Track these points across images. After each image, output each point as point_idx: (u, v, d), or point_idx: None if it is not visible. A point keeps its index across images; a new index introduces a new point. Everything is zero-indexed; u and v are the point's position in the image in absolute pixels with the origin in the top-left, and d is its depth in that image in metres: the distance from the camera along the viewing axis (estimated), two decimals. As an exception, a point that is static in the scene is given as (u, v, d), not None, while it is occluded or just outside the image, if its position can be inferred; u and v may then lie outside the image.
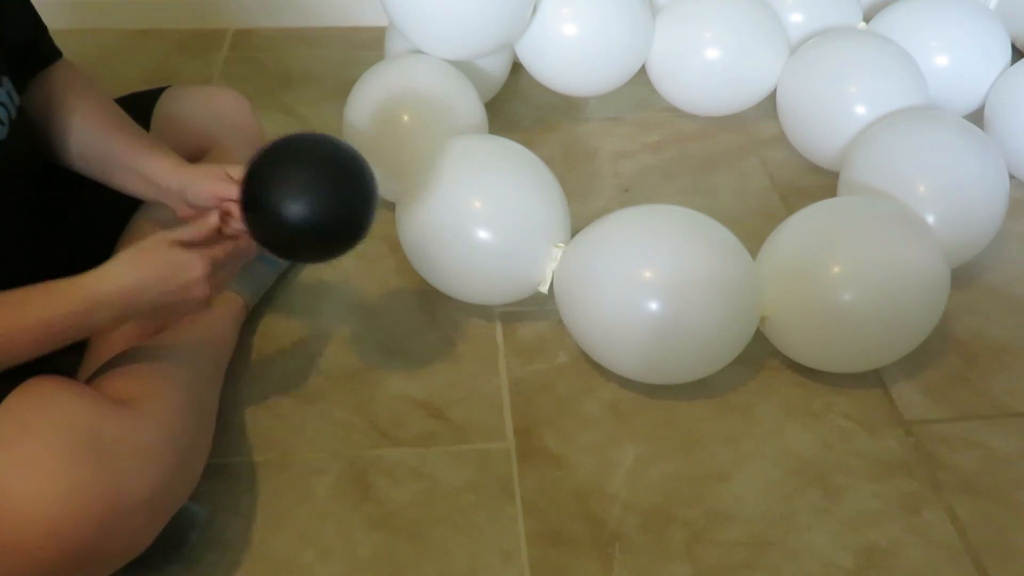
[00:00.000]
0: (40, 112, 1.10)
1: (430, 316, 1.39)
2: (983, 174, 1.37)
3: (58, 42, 1.16)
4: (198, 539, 1.06)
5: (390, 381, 1.29)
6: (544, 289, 1.30)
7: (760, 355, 1.32)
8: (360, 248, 1.48)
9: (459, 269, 1.30)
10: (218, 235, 1.01)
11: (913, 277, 1.22)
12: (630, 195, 1.66)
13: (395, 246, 1.42)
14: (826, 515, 1.14)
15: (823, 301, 1.22)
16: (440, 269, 1.33)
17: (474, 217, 1.27)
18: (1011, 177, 1.44)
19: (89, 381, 1.02)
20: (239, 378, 1.27)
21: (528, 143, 1.38)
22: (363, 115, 1.48)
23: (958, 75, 1.71)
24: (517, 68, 1.78)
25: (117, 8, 2.03)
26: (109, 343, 1.12)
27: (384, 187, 1.51)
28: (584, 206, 1.59)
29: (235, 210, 1.01)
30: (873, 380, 1.31)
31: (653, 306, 1.17)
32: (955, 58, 1.70)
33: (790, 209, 1.55)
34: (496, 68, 1.72)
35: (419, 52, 1.57)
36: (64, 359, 0.99)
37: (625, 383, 1.29)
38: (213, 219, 1.00)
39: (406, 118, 1.45)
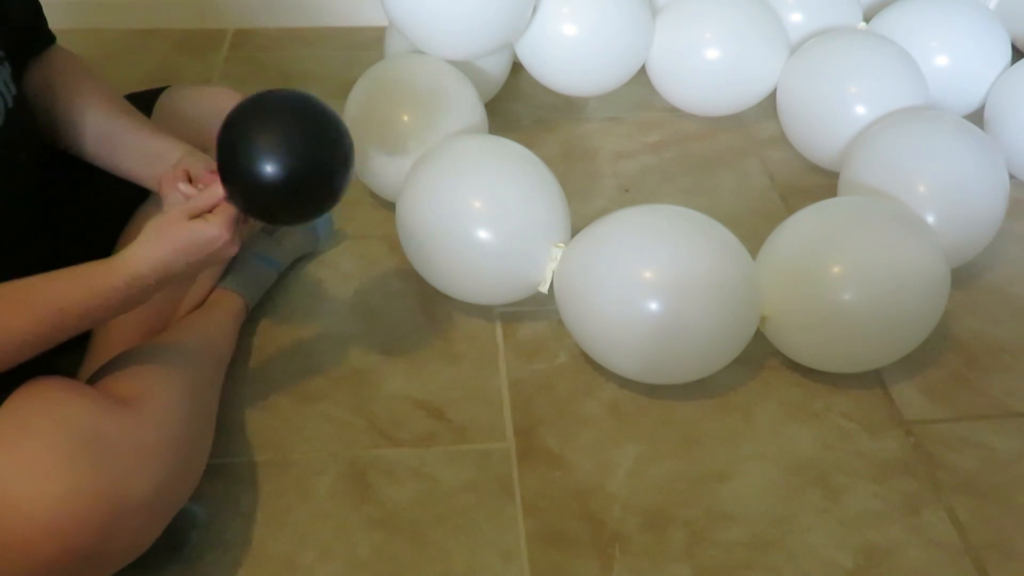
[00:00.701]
0: (41, 95, 1.10)
1: (430, 316, 1.39)
2: (983, 174, 1.37)
3: (58, 42, 1.16)
4: (198, 539, 1.06)
5: (390, 381, 1.29)
6: (544, 289, 1.30)
7: (760, 355, 1.32)
8: (360, 248, 1.50)
9: (459, 269, 1.30)
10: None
11: (913, 277, 1.22)
12: (630, 195, 1.66)
13: (395, 246, 1.42)
14: (826, 515, 1.14)
15: (823, 301, 1.22)
16: (440, 269, 1.33)
17: (474, 217, 1.27)
18: (1011, 177, 1.44)
19: (90, 381, 1.02)
20: (239, 378, 1.27)
21: (528, 143, 1.38)
22: (363, 115, 1.48)
23: (958, 75, 1.71)
24: (517, 68, 1.78)
25: (117, 8, 2.04)
26: (109, 343, 1.12)
27: (384, 187, 1.52)
28: (584, 206, 1.59)
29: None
30: (873, 380, 1.31)
31: (653, 306, 1.17)
32: (955, 58, 1.70)
33: (790, 209, 1.55)
34: (496, 68, 1.72)
35: (419, 52, 1.57)
36: (64, 359, 0.99)
37: (625, 383, 1.29)
38: (218, 191, 0.98)
39: (406, 118, 1.45)
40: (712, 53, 1.69)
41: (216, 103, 1.31)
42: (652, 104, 1.86)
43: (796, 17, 1.78)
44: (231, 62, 1.98)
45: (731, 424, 1.25)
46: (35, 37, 1.12)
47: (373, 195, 1.58)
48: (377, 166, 1.48)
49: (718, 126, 1.83)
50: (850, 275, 1.22)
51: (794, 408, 1.27)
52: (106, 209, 1.21)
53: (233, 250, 0.99)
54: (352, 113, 1.50)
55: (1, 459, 0.84)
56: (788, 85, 1.69)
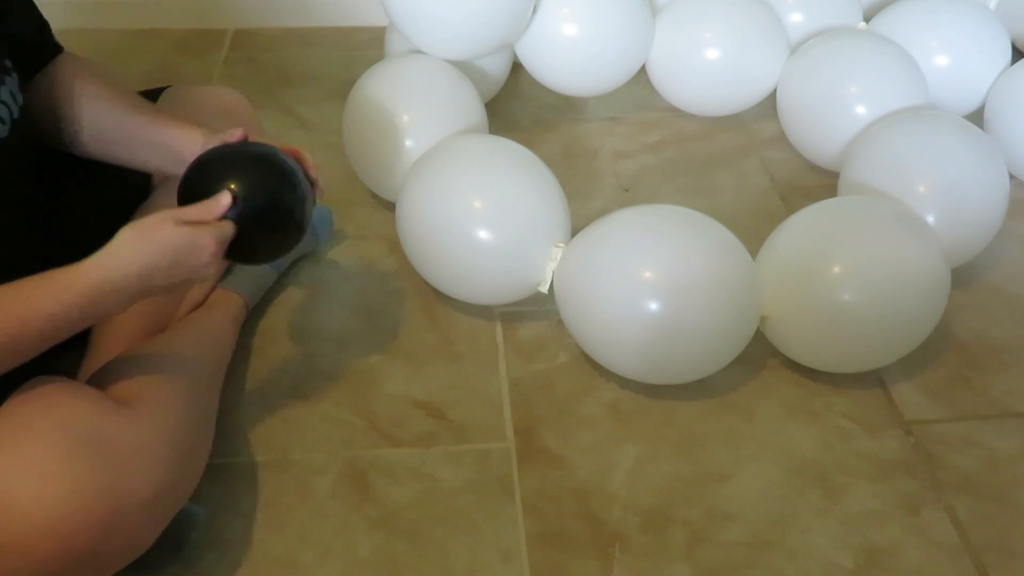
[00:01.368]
0: (53, 104, 1.10)
1: (430, 316, 1.39)
2: (983, 174, 1.37)
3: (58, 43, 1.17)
4: (198, 539, 1.06)
5: (390, 381, 1.29)
6: (544, 289, 1.30)
7: (760, 355, 1.32)
8: (360, 248, 1.50)
9: (459, 269, 1.30)
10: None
11: (913, 277, 1.22)
12: (630, 195, 1.66)
13: (395, 246, 1.42)
14: (826, 515, 1.14)
15: (823, 301, 1.22)
16: (440, 269, 1.33)
17: (474, 217, 1.27)
18: (1011, 177, 1.45)
19: (89, 382, 1.02)
20: (239, 378, 1.27)
21: (528, 143, 1.38)
22: (363, 115, 1.48)
23: (958, 75, 1.71)
24: (517, 68, 1.78)
25: (117, 8, 2.04)
26: (109, 344, 1.12)
27: (384, 187, 1.52)
28: (584, 206, 1.59)
29: None
30: (873, 380, 1.31)
31: (653, 306, 1.17)
32: (955, 58, 1.70)
33: (790, 209, 1.55)
34: (496, 68, 1.72)
35: (419, 52, 1.57)
36: (64, 359, 0.99)
37: (625, 383, 1.29)
38: (225, 200, 0.95)
39: (406, 118, 1.45)
40: (712, 53, 1.69)
41: (216, 102, 1.32)
42: (652, 104, 1.86)
43: (796, 17, 1.78)
44: (231, 62, 1.97)
45: (731, 424, 1.25)
46: (41, 48, 1.12)
47: (373, 195, 1.58)
48: (377, 166, 1.48)
49: (718, 126, 1.83)
50: (850, 275, 1.22)
51: (794, 408, 1.27)
52: (106, 209, 1.21)
53: (212, 270, 0.95)
54: (352, 113, 1.50)
55: (1, 459, 0.84)
56: (788, 85, 1.69)
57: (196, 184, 0.99)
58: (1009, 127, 1.64)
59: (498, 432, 1.23)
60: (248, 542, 1.08)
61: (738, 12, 1.70)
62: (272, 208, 1.01)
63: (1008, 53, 1.73)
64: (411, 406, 1.26)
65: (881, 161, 1.40)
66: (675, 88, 1.77)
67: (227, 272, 1.31)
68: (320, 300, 1.41)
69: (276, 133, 1.69)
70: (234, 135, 1.05)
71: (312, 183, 1.07)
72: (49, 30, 1.14)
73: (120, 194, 1.22)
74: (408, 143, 1.43)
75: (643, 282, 1.19)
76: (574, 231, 1.31)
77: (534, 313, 1.39)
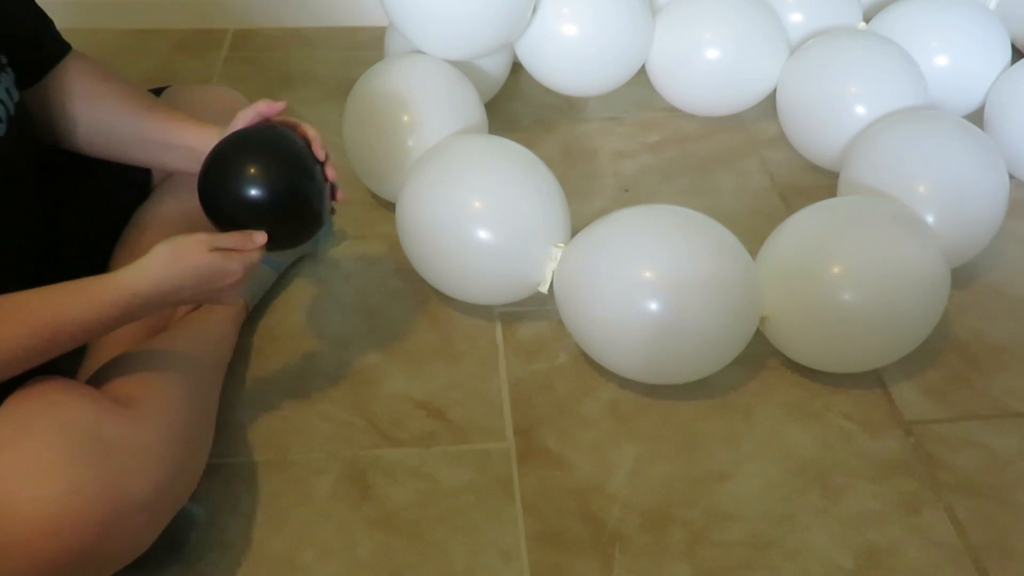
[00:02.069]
0: (65, 105, 1.10)
1: (430, 316, 1.39)
2: (983, 174, 1.37)
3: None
4: (198, 539, 1.06)
5: (390, 381, 1.29)
6: (544, 289, 1.30)
7: (760, 355, 1.32)
8: (360, 248, 1.50)
9: (459, 269, 1.30)
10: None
11: (913, 277, 1.22)
12: (630, 195, 1.66)
13: (395, 246, 1.42)
14: (826, 515, 1.14)
15: (823, 301, 1.22)
16: (440, 269, 1.33)
17: (474, 217, 1.27)
18: (1011, 177, 1.45)
19: (89, 381, 1.02)
20: (239, 378, 1.27)
21: (528, 143, 1.38)
22: (363, 115, 1.48)
23: (958, 75, 1.71)
24: (517, 68, 1.78)
25: (117, 8, 2.03)
26: (109, 343, 1.12)
27: (384, 187, 1.52)
28: (584, 206, 1.59)
29: None
30: (873, 380, 1.31)
31: (653, 306, 1.17)
32: (955, 58, 1.70)
33: (790, 209, 1.55)
34: (496, 68, 1.72)
35: (419, 52, 1.57)
36: (64, 359, 0.99)
37: (625, 383, 1.29)
38: (260, 239, 1.00)
39: (406, 118, 1.45)
40: (712, 53, 1.69)
41: (216, 102, 1.32)
42: (652, 104, 1.86)
43: (796, 17, 1.78)
44: (231, 62, 1.98)
45: (731, 424, 1.25)
46: (43, 48, 1.12)
47: (373, 195, 1.58)
48: (377, 166, 1.48)
49: (718, 126, 1.83)
50: (850, 275, 1.22)
51: (794, 408, 1.27)
52: (105, 210, 1.21)
53: (235, 297, 1.02)
54: (352, 113, 1.50)
55: (1, 459, 0.84)
56: (788, 85, 1.69)
57: (215, 175, 1.04)
58: (1009, 127, 1.64)
59: (498, 432, 1.23)
60: (248, 542, 1.08)
61: (738, 12, 1.70)
62: (289, 196, 1.04)
63: (1008, 53, 1.73)
64: (411, 406, 1.26)
65: (881, 161, 1.40)
66: (675, 88, 1.77)
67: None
68: (320, 300, 1.41)
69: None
70: (259, 110, 1.09)
71: (333, 187, 1.11)
72: (52, 28, 1.14)
73: (121, 191, 1.23)
74: (408, 143, 1.43)
75: (643, 282, 1.19)
76: (574, 231, 1.31)
77: (534, 313, 1.39)
